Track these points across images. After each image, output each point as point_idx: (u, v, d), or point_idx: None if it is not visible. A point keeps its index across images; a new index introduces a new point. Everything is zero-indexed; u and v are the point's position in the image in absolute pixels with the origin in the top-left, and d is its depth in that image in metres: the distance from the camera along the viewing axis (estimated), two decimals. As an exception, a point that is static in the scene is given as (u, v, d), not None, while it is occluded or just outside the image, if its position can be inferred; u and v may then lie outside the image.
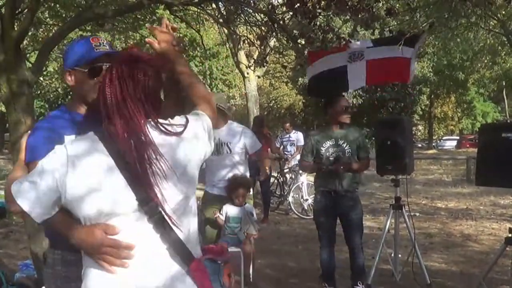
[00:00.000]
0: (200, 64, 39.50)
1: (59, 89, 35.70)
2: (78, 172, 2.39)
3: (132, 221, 2.41)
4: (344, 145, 6.86)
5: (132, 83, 2.49)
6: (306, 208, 13.85)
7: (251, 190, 7.47)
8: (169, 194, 2.44)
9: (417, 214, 13.24)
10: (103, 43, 2.99)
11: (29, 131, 2.94)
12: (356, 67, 7.66)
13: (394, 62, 7.55)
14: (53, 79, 30.75)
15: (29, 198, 2.39)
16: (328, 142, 6.86)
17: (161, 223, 2.42)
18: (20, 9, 6.92)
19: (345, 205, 6.89)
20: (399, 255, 7.72)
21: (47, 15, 12.70)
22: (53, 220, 2.46)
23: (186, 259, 2.46)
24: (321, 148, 6.88)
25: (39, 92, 35.53)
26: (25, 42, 11.99)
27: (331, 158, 6.84)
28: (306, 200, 13.83)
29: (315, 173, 7.36)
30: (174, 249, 2.44)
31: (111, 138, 2.45)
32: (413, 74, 7.91)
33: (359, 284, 6.95)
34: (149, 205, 2.40)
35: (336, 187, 6.83)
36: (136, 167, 2.40)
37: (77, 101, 3.02)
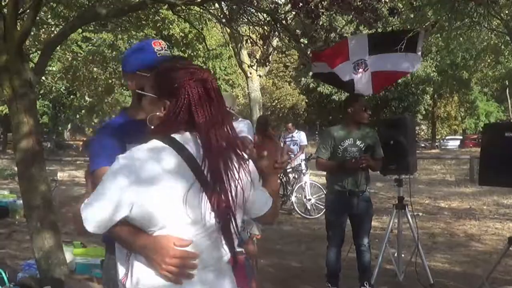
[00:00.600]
0: (203, 64, 39.50)
1: (62, 89, 35.74)
2: (147, 184, 2.29)
3: (199, 231, 2.39)
4: (362, 145, 6.81)
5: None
6: (309, 208, 13.84)
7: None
8: (238, 211, 2.49)
9: (420, 214, 13.21)
10: (164, 47, 2.97)
11: (89, 140, 2.93)
12: (361, 78, 7.67)
13: (395, 74, 7.61)
14: (56, 79, 30.75)
15: (96, 220, 2.31)
16: (346, 141, 6.78)
17: (226, 236, 2.46)
18: (22, 10, 6.92)
19: (359, 205, 6.80)
20: (402, 255, 7.71)
21: (49, 16, 12.69)
22: (115, 229, 2.38)
23: (234, 262, 2.56)
24: (339, 146, 6.79)
25: (42, 91, 35.58)
26: (27, 42, 11.99)
27: (347, 157, 6.77)
28: (309, 200, 13.82)
29: (326, 172, 7.30)
30: (231, 262, 2.53)
31: (182, 145, 2.38)
32: (417, 66, 7.97)
33: (365, 285, 6.91)
34: (218, 216, 2.40)
35: (351, 187, 6.77)
36: (214, 175, 2.37)
37: (138, 106, 2.88)
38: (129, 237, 2.39)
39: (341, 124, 7.08)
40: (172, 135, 2.40)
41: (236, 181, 2.42)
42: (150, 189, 2.29)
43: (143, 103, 2.55)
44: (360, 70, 7.63)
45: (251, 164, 2.57)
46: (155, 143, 2.38)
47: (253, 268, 2.71)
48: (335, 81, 8.03)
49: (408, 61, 7.47)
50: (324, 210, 8.81)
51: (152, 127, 2.45)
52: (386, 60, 7.60)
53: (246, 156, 2.52)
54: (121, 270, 2.46)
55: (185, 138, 2.40)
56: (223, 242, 2.46)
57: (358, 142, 6.79)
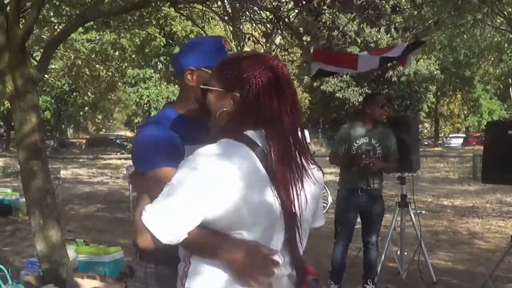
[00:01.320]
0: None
1: (65, 86, 35.78)
2: (226, 185, 2.09)
3: (274, 234, 2.20)
4: (377, 145, 6.75)
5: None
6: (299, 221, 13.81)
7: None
8: (307, 214, 2.33)
9: (423, 212, 13.20)
10: (231, 48, 2.77)
11: (138, 135, 2.67)
12: (366, 57, 7.74)
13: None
14: (59, 77, 30.79)
15: (172, 229, 2.09)
16: (362, 139, 6.71)
17: (293, 241, 2.25)
18: (25, 8, 6.92)
19: (371, 203, 6.78)
20: (405, 253, 7.71)
21: (52, 14, 12.70)
22: (190, 237, 2.14)
23: (300, 278, 2.31)
24: (354, 143, 6.71)
25: (44, 88, 35.61)
26: (30, 41, 12.00)
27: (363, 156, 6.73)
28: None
29: (340, 169, 7.27)
30: (295, 266, 2.29)
31: (255, 142, 2.18)
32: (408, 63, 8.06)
33: (369, 283, 6.89)
34: (290, 219, 2.22)
35: (364, 185, 6.73)
36: (283, 180, 2.19)
37: (189, 102, 2.72)
38: (212, 247, 2.17)
39: (360, 122, 7.02)
40: (244, 132, 2.20)
41: (302, 189, 2.25)
42: (230, 190, 2.09)
43: (208, 99, 2.31)
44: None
45: (317, 171, 2.39)
46: (227, 141, 2.17)
47: None
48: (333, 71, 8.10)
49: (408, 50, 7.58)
50: (329, 206, 8.80)
51: (221, 124, 2.27)
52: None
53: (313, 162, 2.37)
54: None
55: (255, 134, 2.20)
56: (290, 248, 2.25)
57: (373, 142, 6.72)
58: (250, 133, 2.20)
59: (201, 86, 2.35)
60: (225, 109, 2.25)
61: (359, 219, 6.99)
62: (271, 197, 2.16)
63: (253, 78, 2.19)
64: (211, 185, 2.07)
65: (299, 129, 2.31)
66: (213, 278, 2.16)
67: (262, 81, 2.19)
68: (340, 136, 6.99)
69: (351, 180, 6.82)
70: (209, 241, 2.16)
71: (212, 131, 2.36)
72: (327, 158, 7.15)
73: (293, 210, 2.20)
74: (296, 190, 2.21)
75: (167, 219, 2.08)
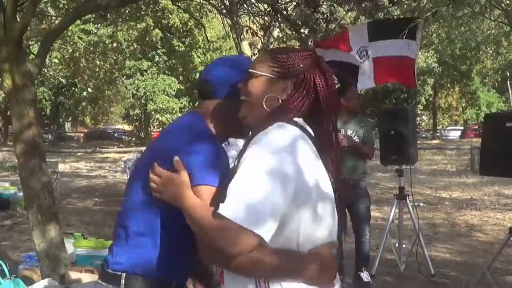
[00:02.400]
0: (203, 55, 39.45)
1: (63, 80, 35.76)
2: (305, 168, 2.05)
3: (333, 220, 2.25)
4: (353, 134, 6.82)
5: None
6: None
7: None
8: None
9: (421, 204, 13.21)
10: None
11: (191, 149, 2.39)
12: (364, 67, 7.64)
13: (400, 62, 7.52)
14: (58, 70, 30.78)
15: (267, 225, 1.92)
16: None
17: (343, 224, 2.39)
18: (22, 1, 6.90)
19: (356, 195, 6.85)
20: (403, 245, 7.72)
21: (49, 7, 12.68)
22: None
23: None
24: None
25: (41, 79, 35.53)
26: (28, 34, 11.97)
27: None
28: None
29: None
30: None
31: (306, 129, 2.22)
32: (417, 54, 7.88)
33: (363, 271, 6.93)
34: (341, 203, 2.33)
35: (346, 175, 6.76)
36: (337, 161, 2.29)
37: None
38: (290, 267, 2.05)
39: None
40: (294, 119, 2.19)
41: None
42: (304, 173, 2.04)
43: (252, 84, 2.27)
44: (364, 59, 7.61)
45: None
46: (283, 124, 2.13)
47: None
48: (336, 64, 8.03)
49: (410, 47, 7.44)
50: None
51: (266, 108, 2.22)
52: (387, 47, 7.58)
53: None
54: None
55: (302, 122, 2.22)
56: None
57: (349, 132, 6.80)
58: (299, 120, 2.21)
59: (250, 70, 2.31)
60: (273, 95, 2.23)
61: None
62: (328, 181, 2.18)
63: (309, 74, 2.23)
64: (291, 171, 2.00)
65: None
66: None
67: (315, 75, 2.23)
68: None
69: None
70: (287, 263, 2.05)
71: (247, 118, 2.33)
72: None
73: (344, 195, 2.28)
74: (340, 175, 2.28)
75: (264, 215, 1.91)
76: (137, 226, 2.39)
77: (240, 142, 2.71)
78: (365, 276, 6.93)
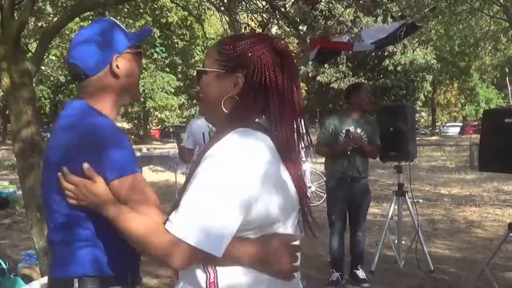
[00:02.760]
0: (202, 52, 39.43)
1: (62, 78, 35.72)
2: (265, 183, 1.93)
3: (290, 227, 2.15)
4: (362, 133, 6.82)
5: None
6: (309, 195, 13.82)
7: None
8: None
9: (421, 200, 13.22)
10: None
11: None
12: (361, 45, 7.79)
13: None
14: (55, 68, 30.75)
15: (224, 241, 1.86)
16: (348, 128, 6.79)
17: (307, 221, 2.23)
18: (20, -1, 6.89)
19: (358, 191, 6.88)
20: (403, 242, 7.73)
21: (48, 4, 12.67)
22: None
23: None
24: (341, 134, 6.80)
25: (40, 78, 35.55)
26: (26, 32, 11.96)
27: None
28: (310, 187, 13.81)
29: (324, 159, 7.32)
30: None
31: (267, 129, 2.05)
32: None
33: (359, 268, 6.96)
34: (304, 201, 2.17)
35: (351, 173, 6.78)
36: (297, 160, 2.13)
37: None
38: (252, 252, 1.98)
39: (343, 112, 7.08)
40: (256, 120, 2.05)
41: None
42: (266, 180, 1.93)
43: (204, 82, 2.13)
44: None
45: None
46: (245, 130, 1.99)
47: None
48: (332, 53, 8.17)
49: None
50: (325, 196, 8.85)
51: (226, 109, 2.07)
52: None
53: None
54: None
55: (265, 120, 2.07)
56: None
57: (358, 130, 6.80)
58: (262, 120, 2.07)
59: (198, 68, 2.17)
60: (230, 94, 2.06)
61: None
62: (290, 181, 2.06)
63: (257, 59, 2.04)
64: (247, 182, 1.89)
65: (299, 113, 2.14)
66: (244, 276, 1.99)
67: (268, 62, 2.05)
68: (325, 127, 7.06)
69: (339, 169, 6.90)
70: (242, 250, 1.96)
71: (206, 117, 2.25)
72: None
73: (305, 192, 2.14)
74: (301, 172, 2.15)
75: (216, 231, 1.84)
76: (77, 228, 2.29)
77: None
78: (361, 273, 6.96)
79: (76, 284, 2.29)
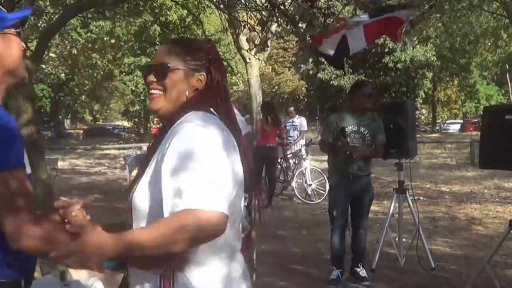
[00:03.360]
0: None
1: (62, 76, 35.74)
2: (229, 153, 2.15)
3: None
4: (366, 132, 6.80)
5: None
6: (309, 193, 13.83)
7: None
8: None
9: (421, 198, 13.19)
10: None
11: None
12: (354, 32, 7.71)
13: (388, 21, 7.64)
14: (55, 66, 30.75)
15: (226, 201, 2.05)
16: (350, 127, 6.78)
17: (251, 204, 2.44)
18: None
19: (360, 188, 6.87)
20: (403, 239, 7.71)
21: (48, 3, 12.66)
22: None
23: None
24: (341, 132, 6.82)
25: (41, 77, 35.55)
26: (26, 30, 11.93)
27: (351, 143, 6.77)
28: (310, 185, 13.81)
29: (327, 156, 7.31)
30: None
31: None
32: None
33: (360, 266, 6.95)
34: (252, 184, 2.38)
35: (353, 170, 6.78)
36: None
37: None
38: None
39: (346, 110, 7.08)
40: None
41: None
42: (231, 157, 2.15)
43: (171, 79, 2.31)
44: (354, 28, 7.71)
45: None
46: (204, 113, 2.25)
47: None
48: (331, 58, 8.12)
49: (399, 12, 7.60)
50: (327, 193, 8.86)
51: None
52: (379, 14, 7.73)
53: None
54: None
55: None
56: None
57: (362, 129, 6.79)
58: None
59: (169, 65, 2.32)
60: (194, 88, 2.33)
61: None
62: (240, 164, 2.24)
63: (217, 62, 2.40)
64: (225, 152, 2.11)
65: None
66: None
67: (220, 63, 2.42)
68: (327, 125, 7.06)
69: (342, 167, 6.91)
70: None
71: (161, 110, 2.36)
72: (324, 146, 7.17)
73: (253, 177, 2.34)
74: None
75: (225, 195, 2.05)
76: None
77: None
78: (362, 272, 6.95)
79: None
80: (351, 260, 7.08)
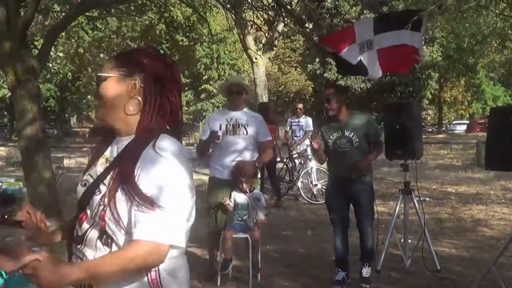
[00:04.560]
0: (208, 47, 39.45)
1: (68, 74, 35.81)
2: (189, 182, 2.33)
3: None
4: (351, 135, 6.76)
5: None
6: (315, 193, 13.81)
7: (259, 175, 7.41)
8: None
9: (427, 199, 13.18)
10: None
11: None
12: (368, 56, 7.66)
13: (403, 50, 7.54)
14: (62, 65, 30.80)
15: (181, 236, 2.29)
16: (334, 133, 6.79)
17: None
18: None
19: (356, 190, 6.84)
20: (409, 241, 7.69)
21: (54, 2, 12.67)
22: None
23: None
24: (328, 140, 6.82)
25: (48, 77, 35.61)
26: (33, 29, 11.96)
27: (339, 150, 6.78)
28: (315, 185, 13.79)
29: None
30: None
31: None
32: (420, 59, 7.86)
33: (365, 266, 6.92)
34: None
35: (346, 174, 6.77)
36: None
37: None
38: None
39: (328, 119, 7.04)
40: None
41: None
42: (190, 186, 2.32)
43: (103, 87, 2.40)
44: (365, 49, 7.63)
45: None
46: (170, 138, 2.35)
47: None
48: (348, 67, 8.07)
49: (414, 37, 7.47)
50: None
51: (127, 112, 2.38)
52: (391, 36, 7.61)
53: None
54: None
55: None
56: None
57: (346, 133, 6.75)
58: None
59: (99, 74, 2.42)
60: (132, 96, 2.35)
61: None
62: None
63: (149, 65, 2.36)
64: (188, 188, 2.29)
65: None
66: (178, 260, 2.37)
67: (157, 68, 2.37)
68: (321, 138, 7.00)
69: (334, 171, 7.06)
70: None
71: (106, 119, 2.44)
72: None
73: None
74: None
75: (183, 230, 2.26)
76: None
77: None
78: (365, 271, 6.92)
79: None
80: (360, 259, 7.05)
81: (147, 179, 2.18)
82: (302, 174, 14.15)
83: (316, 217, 11.60)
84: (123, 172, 2.23)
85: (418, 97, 44.92)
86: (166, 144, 2.27)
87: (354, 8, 14.65)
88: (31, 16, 6.30)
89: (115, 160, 2.35)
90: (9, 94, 32.20)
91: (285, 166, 14.88)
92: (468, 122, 66.02)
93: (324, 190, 13.69)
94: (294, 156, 14.61)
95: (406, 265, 7.43)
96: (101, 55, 28.41)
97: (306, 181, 14.21)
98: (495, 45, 43.32)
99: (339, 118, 6.82)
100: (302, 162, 14.44)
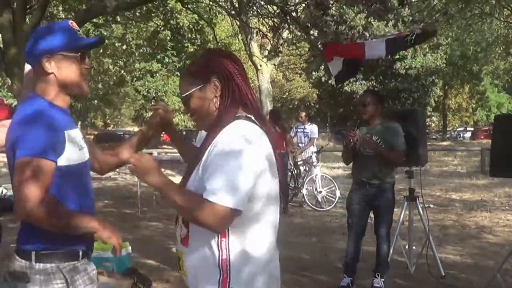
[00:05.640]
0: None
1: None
2: (267, 161, 2.59)
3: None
4: (378, 140, 6.71)
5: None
6: (320, 200, 13.81)
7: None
8: None
9: (432, 205, 13.17)
10: (79, 29, 2.85)
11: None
12: (373, 42, 7.73)
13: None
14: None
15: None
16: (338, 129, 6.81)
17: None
18: (31, 4, 6.93)
19: (376, 196, 6.80)
20: (413, 247, 7.70)
21: (60, 9, 12.73)
22: None
23: None
24: (357, 142, 6.80)
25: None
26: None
27: (364, 153, 6.77)
28: (320, 192, 13.80)
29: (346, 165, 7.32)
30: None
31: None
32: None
33: (377, 276, 6.87)
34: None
35: (367, 178, 6.76)
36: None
37: (53, 89, 2.82)
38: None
39: (360, 122, 7.06)
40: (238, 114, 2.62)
41: None
42: (270, 163, 2.63)
43: (194, 102, 2.64)
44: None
45: None
46: (242, 121, 2.59)
47: None
48: (349, 71, 8.12)
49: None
50: (337, 200, 8.84)
51: (212, 111, 2.64)
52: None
53: None
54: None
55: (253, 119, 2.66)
56: None
57: (374, 138, 6.74)
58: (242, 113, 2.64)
59: (183, 95, 2.68)
60: (214, 96, 2.62)
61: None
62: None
63: (220, 64, 2.62)
64: (259, 161, 2.51)
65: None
66: (253, 257, 2.86)
67: (229, 66, 2.62)
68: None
69: (357, 175, 6.93)
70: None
71: (203, 128, 2.75)
72: (335, 153, 7.17)
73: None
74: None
75: (242, 194, 2.44)
76: None
77: None
78: (376, 281, 6.87)
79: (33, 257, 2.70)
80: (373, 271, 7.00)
81: (218, 156, 2.45)
82: (307, 181, 14.15)
83: (321, 224, 11.60)
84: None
85: (423, 104, 44.89)
86: (235, 125, 2.54)
87: (359, 15, 14.65)
88: (37, 22, 6.34)
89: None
90: (15, 103, 32.37)
91: (289, 173, 14.90)
92: (472, 129, 65.96)
93: (328, 197, 13.73)
94: (299, 163, 14.62)
95: (411, 271, 7.43)
96: (106, 60, 28.44)
97: (311, 188, 14.21)
98: (499, 52, 43.31)
99: (370, 123, 6.85)
100: (307, 169, 14.45)
